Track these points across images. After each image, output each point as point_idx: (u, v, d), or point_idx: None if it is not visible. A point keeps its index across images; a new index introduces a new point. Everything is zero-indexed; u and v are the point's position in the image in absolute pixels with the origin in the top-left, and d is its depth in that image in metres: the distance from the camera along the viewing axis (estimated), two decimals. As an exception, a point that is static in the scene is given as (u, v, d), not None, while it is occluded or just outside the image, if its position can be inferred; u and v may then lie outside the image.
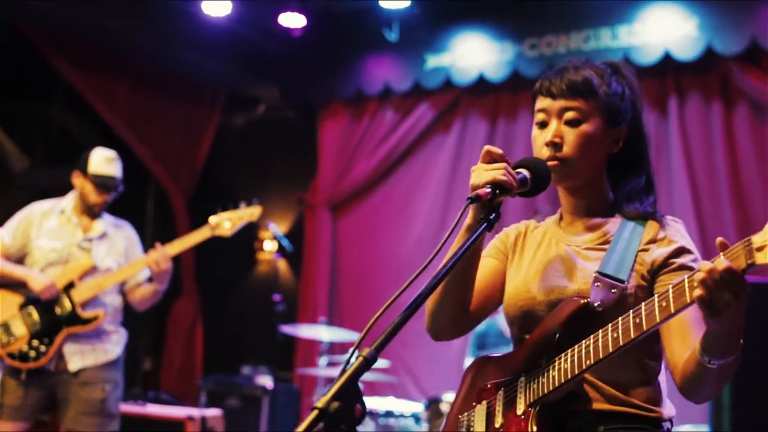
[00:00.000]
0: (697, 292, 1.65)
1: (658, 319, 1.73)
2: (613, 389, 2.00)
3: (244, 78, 8.52)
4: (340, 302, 7.99)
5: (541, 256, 2.16)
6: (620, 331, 1.79)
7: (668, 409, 2.06)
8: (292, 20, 7.33)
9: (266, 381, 7.10)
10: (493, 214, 1.88)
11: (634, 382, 2.01)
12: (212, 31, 7.44)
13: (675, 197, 6.36)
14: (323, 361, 6.13)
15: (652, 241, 2.04)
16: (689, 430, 4.97)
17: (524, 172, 1.96)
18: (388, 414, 5.20)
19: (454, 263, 1.78)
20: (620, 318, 1.80)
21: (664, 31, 6.35)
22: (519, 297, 2.13)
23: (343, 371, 1.55)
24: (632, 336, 1.77)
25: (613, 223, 2.10)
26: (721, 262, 1.62)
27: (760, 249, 1.57)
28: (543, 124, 2.11)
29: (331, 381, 5.94)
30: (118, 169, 4.61)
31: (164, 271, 4.51)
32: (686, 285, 1.69)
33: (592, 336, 1.86)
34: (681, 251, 2.02)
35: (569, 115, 2.06)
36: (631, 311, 1.78)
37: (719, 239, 1.67)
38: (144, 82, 8.31)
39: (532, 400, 1.98)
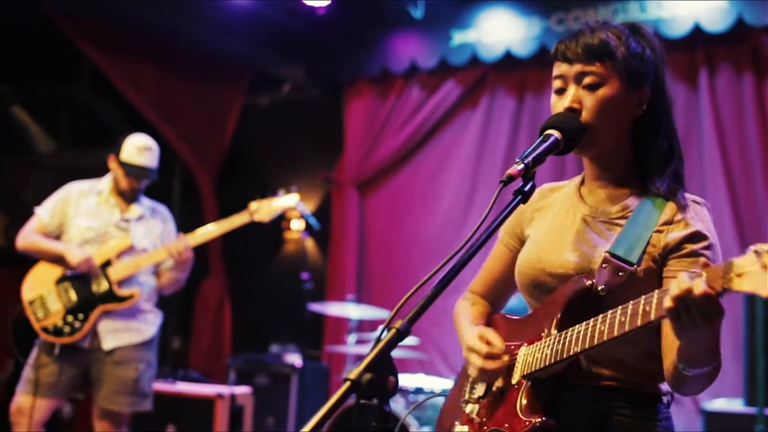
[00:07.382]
0: (668, 303, 1.61)
1: (639, 323, 1.70)
2: (612, 364, 1.97)
3: (269, 58, 8.50)
4: (367, 280, 7.98)
5: (558, 225, 2.13)
6: (606, 325, 1.77)
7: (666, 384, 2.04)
8: (317, -1, 7.28)
9: (295, 359, 7.13)
10: (528, 186, 1.83)
11: (634, 356, 1.97)
12: (237, 11, 7.41)
13: (707, 170, 6.27)
14: (352, 338, 6.14)
15: (668, 222, 1.97)
16: (723, 404, 4.94)
17: (554, 133, 1.94)
18: (418, 391, 5.19)
19: (488, 237, 1.75)
20: (609, 311, 1.78)
21: (693, 3, 6.23)
22: (530, 266, 2.11)
23: (376, 344, 1.54)
24: (615, 333, 1.75)
25: (634, 198, 2.05)
26: (699, 285, 1.57)
27: (739, 275, 1.52)
28: (561, 91, 2.07)
29: (359, 358, 5.94)
30: (150, 159, 4.65)
31: (185, 260, 4.62)
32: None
33: (584, 323, 1.84)
34: (696, 236, 1.94)
35: (587, 79, 2.01)
36: (619, 308, 1.76)
37: (702, 259, 1.67)
38: (169, 63, 8.31)
39: (526, 372, 1.98)
